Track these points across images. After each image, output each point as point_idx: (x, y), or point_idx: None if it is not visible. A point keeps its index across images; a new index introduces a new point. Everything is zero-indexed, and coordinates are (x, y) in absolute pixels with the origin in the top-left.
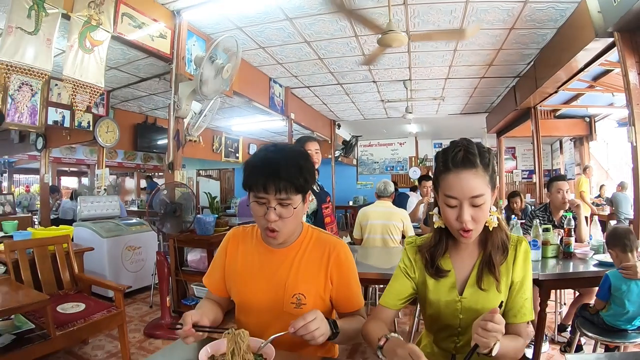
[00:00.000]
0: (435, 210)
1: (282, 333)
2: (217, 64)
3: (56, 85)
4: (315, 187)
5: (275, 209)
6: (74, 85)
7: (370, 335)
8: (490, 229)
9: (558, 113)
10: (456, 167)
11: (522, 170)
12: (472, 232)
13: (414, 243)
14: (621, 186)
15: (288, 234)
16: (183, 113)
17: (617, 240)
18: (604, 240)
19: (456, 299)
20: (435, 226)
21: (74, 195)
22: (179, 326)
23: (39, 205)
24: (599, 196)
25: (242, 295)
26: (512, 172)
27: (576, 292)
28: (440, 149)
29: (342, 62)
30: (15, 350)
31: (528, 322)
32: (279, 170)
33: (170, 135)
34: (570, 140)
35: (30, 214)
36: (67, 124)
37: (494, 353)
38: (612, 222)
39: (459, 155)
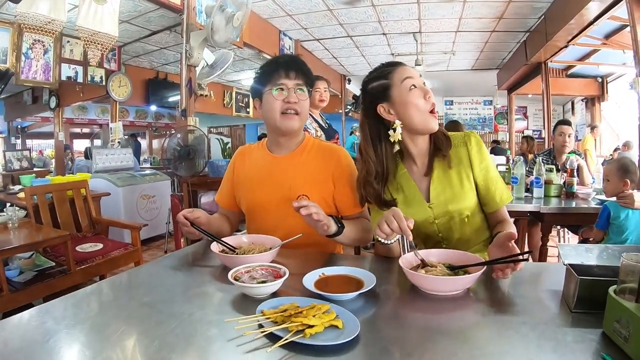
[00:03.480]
0: (398, 122)
1: (292, 238)
2: (227, 12)
3: (68, 42)
4: (323, 124)
5: (295, 91)
6: (88, 35)
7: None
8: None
9: (570, 72)
10: (398, 64)
11: (533, 131)
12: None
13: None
14: (626, 145)
15: (302, 119)
16: (195, 61)
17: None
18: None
19: (425, 206)
20: (393, 140)
21: (87, 153)
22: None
23: (53, 167)
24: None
25: (250, 200)
26: (522, 132)
27: (580, 237)
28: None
29: (352, 13)
30: (37, 283)
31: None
32: (294, 62)
33: (182, 82)
34: (582, 100)
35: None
36: (80, 79)
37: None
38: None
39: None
